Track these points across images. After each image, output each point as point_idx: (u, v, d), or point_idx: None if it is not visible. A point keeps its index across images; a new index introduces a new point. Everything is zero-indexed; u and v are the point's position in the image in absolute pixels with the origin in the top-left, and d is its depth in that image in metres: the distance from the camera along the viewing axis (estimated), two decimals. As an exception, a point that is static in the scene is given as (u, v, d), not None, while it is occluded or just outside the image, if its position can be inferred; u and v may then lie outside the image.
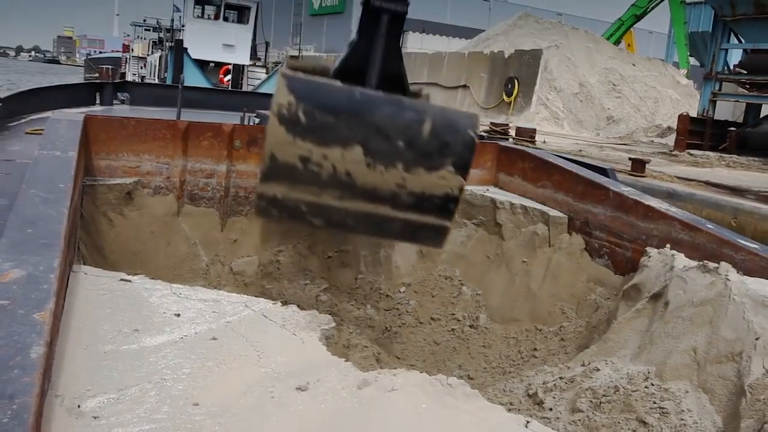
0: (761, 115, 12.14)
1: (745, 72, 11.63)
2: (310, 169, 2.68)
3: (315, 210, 2.77)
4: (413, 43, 29.19)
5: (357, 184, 2.74)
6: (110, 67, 9.21)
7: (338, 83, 2.85)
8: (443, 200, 2.85)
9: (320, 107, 2.68)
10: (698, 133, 11.57)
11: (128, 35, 32.59)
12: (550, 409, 2.58)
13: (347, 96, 2.74)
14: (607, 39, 20.80)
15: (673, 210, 3.50)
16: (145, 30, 28.06)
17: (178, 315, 2.11)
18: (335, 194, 2.76)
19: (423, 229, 2.92)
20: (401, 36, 3.20)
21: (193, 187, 4.06)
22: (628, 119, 16.89)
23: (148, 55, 24.79)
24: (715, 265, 2.73)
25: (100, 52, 57.82)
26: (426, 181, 2.81)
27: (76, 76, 35.61)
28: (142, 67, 25.65)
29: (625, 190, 3.82)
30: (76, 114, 4.01)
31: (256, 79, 18.84)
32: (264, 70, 19.93)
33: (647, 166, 7.59)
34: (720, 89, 11.81)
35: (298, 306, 2.37)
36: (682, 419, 2.34)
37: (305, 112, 2.66)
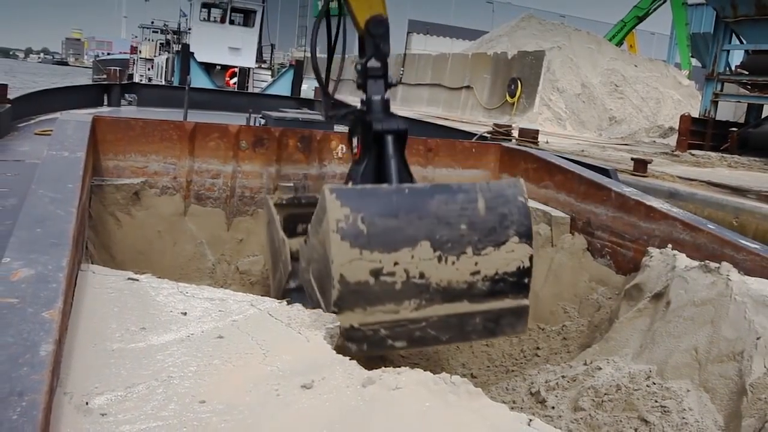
0: (762, 116, 12.12)
1: (747, 73, 11.62)
2: (383, 281, 2.55)
3: (395, 330, 2.63)
4: (417, 45, 29.24)
5: (432, 284, 2.63)
6: (118, 68, 9.27)
7: (381, 186, 2.83)
8: (517, 275, 2.78)
9: (378, 212, 2.59)
10: (700, 134, 11.56)
11: (136, 37, 32.77)
12: (553, 408, 2.59)
13: (398, 194, 2.68)
14: (610, 40, 20.80)
15: (674, 210, 3.51)
16: (153, 32, 28.20)
17: (185, 313, 2.13)
18: (413, 304, 2.63)
19: (504, 316, 2.82)
20: (404, 149, 3.25)
21: (199, 188, 4.09)
22: (630, 120, 16.87)
23: (155, 56, 24.90)
24: (717, 265, 2.74)
25: (108, 54, 58.09)
26: (497, 260, 2.74)
27: (85, 78, 35.77)
28: (149, 69, 25.76)
29: (627, 191, 3.83)
30: (84, 115, 4.04)
31: (262, 81, 18.90)
32: (270, 73, 20.01)
33: (649, 166, 7.59)
34: (721, 90, 11.80)
35: (303, 305, 2.38)
36: (684, 418, 2.35)
37: (365, 220, 2.55)
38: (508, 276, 2.76)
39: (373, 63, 3.21)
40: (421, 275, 2.61)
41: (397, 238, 2.58)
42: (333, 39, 3.65)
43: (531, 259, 2.81)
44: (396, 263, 2.57)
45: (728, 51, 11.73)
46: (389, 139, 3.11)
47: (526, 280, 2.81)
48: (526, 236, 2.79)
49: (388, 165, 3.10)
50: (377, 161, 3.14)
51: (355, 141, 3.37)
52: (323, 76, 3.61)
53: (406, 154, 4.44)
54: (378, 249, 2.54)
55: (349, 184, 3.24)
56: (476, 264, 2.70)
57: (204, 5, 18.54)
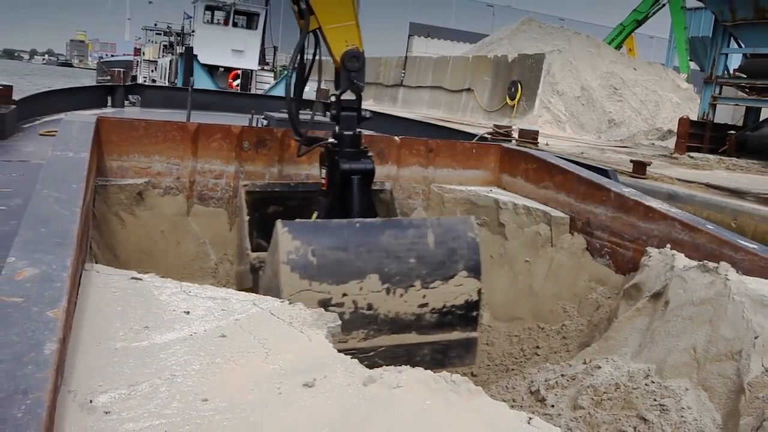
0: (760, 119, 12.16)
1: (745, 76, 11.68)
2: (331, 312, 2.57)
3: None
4: (418, 47, 29.33)
5: (380, 315, 2.73)
6: (122, 70, 9.30)
7: (333, 220, 2.94)
8: (465, 308, 2.89)
9: (328, 245, 2.71)
10: (698, 136, 11.60)
11: (139, 39, 32.92)
12: (552, 406, 2.61)
13: (348, 228, 2.81)
14: (609, 44, 20.86)
15: (673, 211, 3.53)
16: (156, 34, 28.31)
17: (188, 312, 2.14)
18: (361, 334, 2.72)
19: (452, 347, 2.91)
20: (371, 188, 3.36)
21: (202, 188, 4.11)
22: (629, 122, 16.91)
23: (158, 58, 24.99)
24: (715, 264, 2.75)
25: (112, 56, 58.41)
26: (445, 293, 2.85)
27: (89, 79, 35.92)
28: (152, 71, 25.86)
29: (626, 191, 3.85)
30: (88, 116, 4.07)
31: (264, 83, 18.97)
32: (272, 75, 20.07)
33: (648, 168, 7.62)
34: (720, 93, 11.86)
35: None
36: (682, 416, 2.36)
37: (315, 253, 2.66)
38: (456, 309, 2.88)
39: (348, 96, 3.30)
40: (369, 307, 2.73)
41: (346, 271, 2.70)
42: (308, 66, 3.67)
43: (479, 292, 2.93)
44: (344, 294, 2.68)
45: (726, 54, 11.79)
46: (355, 178, 3.20)
47: (474, 313, 2.94)
48: (475, 271, 2.93)
49: (351, 203, 3.19)
50: (343, 196, 3.23)
51: (323, 172, 3.45)
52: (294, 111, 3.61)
53: (405, 155, 4.52)
54: (327, 281, 2.66)
55: (314, 215, 3.35)
56: (424, 297, 2.81)
57: (208, 8, 18.63)
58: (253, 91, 17.81)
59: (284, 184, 3.75)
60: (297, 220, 2.88)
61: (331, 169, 3.30)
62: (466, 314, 2.91)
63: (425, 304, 2.82)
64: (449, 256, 2.89)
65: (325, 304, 2.62)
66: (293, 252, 2.63)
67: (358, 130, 3.36)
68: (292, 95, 3.45)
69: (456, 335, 2.90)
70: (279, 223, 2.71)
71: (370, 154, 3.35)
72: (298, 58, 3.55)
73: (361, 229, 2.83)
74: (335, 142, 3.30)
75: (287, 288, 2.60)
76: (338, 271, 2.69)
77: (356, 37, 3.24)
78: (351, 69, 3.22)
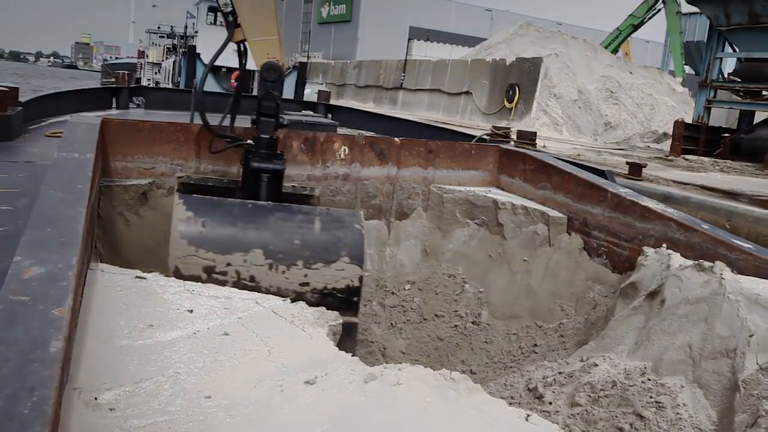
0: (754, 122, 12.26)
1: (739, 80, 11.76)
2: (214, 278, 2.87)
3: None
4: (418, 51, 29.40)
5: (262, 288, 2.90)
6: (126, 72, 9.30)
7: (227, 199, 3.18)
8: (346, 293, 3.06)
9: (219, 219, 2.97)
10: (693, 139, 11.69)
11: (143, 41, 33.01)
12: (550, 403, 2.63)
13: (240, 207, 3.09)
14: (606, 48, 20.97)
15: (669, 210, 3.56)
16: (160, 36, 28.42)
17: (191, 311, 2.16)
18: None
19: None
20: (281, 185, 3.59)
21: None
22: (625, 125, 16.99)
23: (162, 60, 24.99)
24: (710, 264, 2.78)
25: (117, 58, 58.55)
26: (327, 275, 3.03)
27: (94, 81, 35.96)
28: (156, 73, 25.88)
29: (623, 191, 3.88)
30: (93, 117, 4.08)
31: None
32: None
33: (644, 170, 7.66)
34: (714, 96, 11.95)
35: (307, 303, 2.43)
36: (678, 413, 2.39)
37: (205, 224, 2.94)
38: (337, 292, 3.05)
39: (268, 102, 3.51)
40: (252, 278, 2.93)
41: (232, 243, 2.94)
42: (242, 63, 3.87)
43: (361, 279, 3.10)
44: (228, 264, 2.90)
45: (721, 59, 11.88)
46: (264, 176, 3.46)
47: (355, 299, 3.10)
48: (358, 259, 3.10)
49: (260, 199, 3.42)
50: (254, 192, 3.45)
51: (241, 170, 3.71)
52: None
53: (405, 156, 4.60)
54: (213, 250, 2.90)
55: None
56: (306, 276, 3.00)
57: (210, 9, 18.65)
58: (255, 92, 17.76)
59: (216, 179, 3.93)
60: (194, 195, 3.14)
61: (245, 167, 3.54)
62: (347, 298, 3.06)
63: (306, 284, 2.99)
64: (334, 243, 3.09)
65: (209, 271, 2.86)
66: (185, 221, 2.91)
67: (275, 134, 3.60)
68: (202, 91, 3.78)
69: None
70: (176, 195, 3.02)
71: (283, 157, 3.62)
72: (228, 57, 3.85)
73: (252, 209, 3.10)
74: (252, 143, 3.54)
75: (175, 251, 2.86)
76: (224, 242, 2.93)
77: (277, 51, 3.47)
78: (269, 79, 3.46)
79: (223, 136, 3.75)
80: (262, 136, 3.52)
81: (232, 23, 3.46)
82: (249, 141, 3.56)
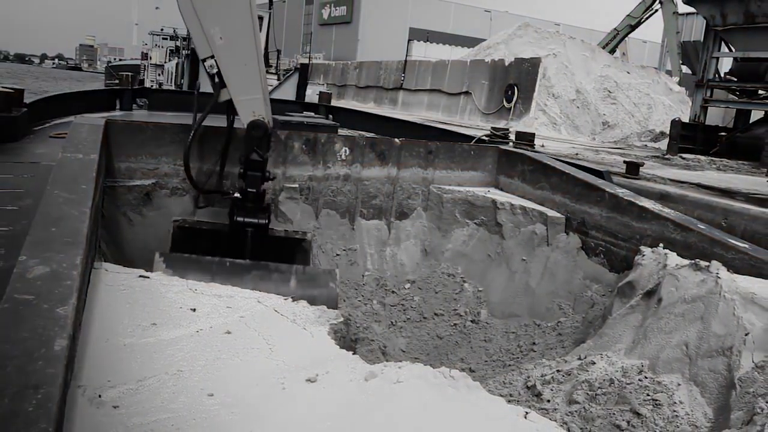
0: (750, 121, 12.30)
1: (735, 79, 11.80)
2: None
3: None
4: (417, 52, 29.42)
5: None
6: (129, 74, 9.26)
7: (206, 257, 3.22)
8: None
9: (197, 277, 2.91)
10: (690, 138, 11.71)
11: (146, 44, 33.03)
12: (548, 401, 2.65)
13: (218, 264, 3.17)
14: (603, 48, 21.00)
15: (666, 210, 3.59)
16: (163, 39, 28.40)
17: (194, 310, 2.18)
18: None
19: None
20: (266, 237, 3.62)
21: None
22: (622, 125, 17.02)
23: (165, 62, 24.94)
24: (707, 263, 2.81)
25: (120, 60, 58.51)
26: None
27: (98, 83, 35.95)
28: (159, 74, 25.86)
29: (620, 192, 3.91)
30: (97, 119, 4.11)
31: (268, 85, 18.86)
32: (276, 77, 20.11)
33: (641, 169, 7.68)
34: (711, 96, 11.98)
35: (308, 302, 2.44)
36: (675, 411, 2.41)
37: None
38: None
39: (254, 157, 3.52)
40: None
41: None
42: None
43: None
44: None
45: (717, 58, 11.91)
46: (249, 230, 3.51)
47: None
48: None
49: (243, 251, 3.47)
50: (239, 244, 3.50)
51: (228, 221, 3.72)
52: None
53: (405, 157, 4.63)
54: None
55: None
56: None
57: None
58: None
59: (210, 222, 3.92)
60: (174, 253, 3.20)
61: (231, 218, 3.58)
62: None
63: None
64: (309, 302, 3.11)
65: None
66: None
67: (262, 188, 3.61)
68: (189, 151, 3.65)
69: None
70: (157, 254, 3.08)
71: (269, 210, 3.63)
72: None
73: (230, 267, 3.18)
74: (239, 196, 3.56)
75: None
76: None
77: (262, 108, 3.49)
78: (255, 136, 3.47)
79: (210, 192, 3.81)
80: (249, 189, 3.54)
81: (218, 84, 3.47)
82: (237, 194, 3.59)
